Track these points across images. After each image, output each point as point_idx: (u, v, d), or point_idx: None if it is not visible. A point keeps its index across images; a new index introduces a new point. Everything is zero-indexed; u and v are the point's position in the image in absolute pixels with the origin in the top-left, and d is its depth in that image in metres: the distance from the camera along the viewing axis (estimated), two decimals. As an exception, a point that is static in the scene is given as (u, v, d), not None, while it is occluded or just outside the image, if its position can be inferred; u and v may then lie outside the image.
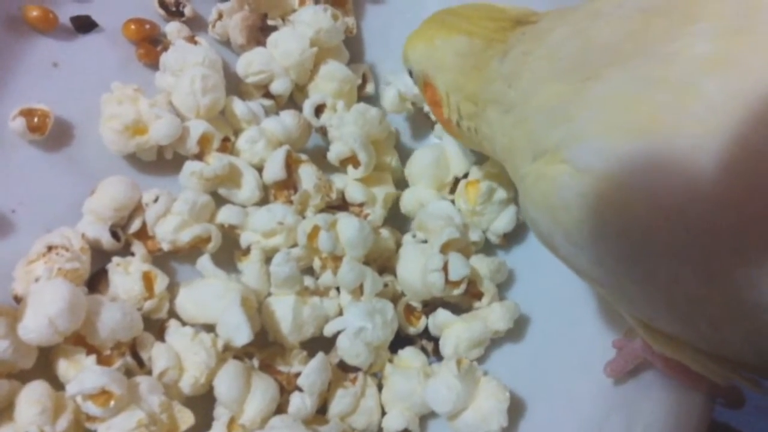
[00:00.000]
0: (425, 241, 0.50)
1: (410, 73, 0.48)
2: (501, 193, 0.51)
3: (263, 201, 0.50)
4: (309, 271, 0.49)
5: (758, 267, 0.27)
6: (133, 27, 0.52)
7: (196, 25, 0.54)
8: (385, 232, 0.51)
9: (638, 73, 0.30)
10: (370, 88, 0.57)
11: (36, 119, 0.47)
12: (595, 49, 0.33)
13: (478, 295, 0.49)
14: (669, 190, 0.28)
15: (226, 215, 0.48)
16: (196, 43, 0.52)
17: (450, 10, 0.45)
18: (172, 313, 0.45)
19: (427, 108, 0.55)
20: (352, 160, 0.51)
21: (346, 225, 0.47)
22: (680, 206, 0.28)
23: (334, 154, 0.51)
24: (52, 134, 0.47)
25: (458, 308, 0.50)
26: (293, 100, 0.55)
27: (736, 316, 0.29)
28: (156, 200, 0.46)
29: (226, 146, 0.50)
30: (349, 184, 0.51)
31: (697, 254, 0.29)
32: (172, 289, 0.46)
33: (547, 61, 0.35)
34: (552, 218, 0.33)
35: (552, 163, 0.32)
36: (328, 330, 0.46)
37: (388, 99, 0.55)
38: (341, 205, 0.51)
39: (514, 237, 0.52)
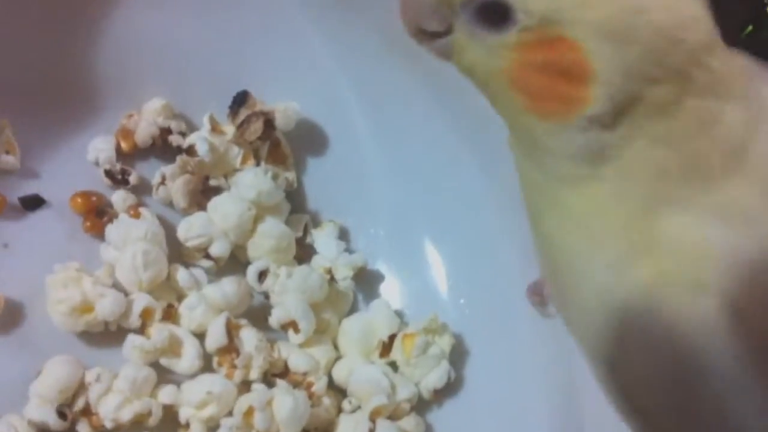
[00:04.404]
0: (360, 407, 0.53)
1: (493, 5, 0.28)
2: (435, 348, 0.54)
3: (206, 369, 0.52)
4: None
5: None
6: (79, 200, 0.55)
7: (142, 189, 0.57)
8: (326, 401, 0.53)
9: None
10: (309, 239, 0.59)
11: (-14, 304, 0.50)
12: None
13: None
14: None
15: (161, 397, 0.51)
16: (139, 215, 0.54)
17: None
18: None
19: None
20: (293, 325, 0.54)
21: (281, 403, 0.49)
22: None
23: (275, 320, 0.53)
24: (2, 316, 0.50)
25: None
26: (234, 255, 0.57)
27: None
28: (98, 379, 0.49)
29: (170, 313, 0.53)
30: (292, 353, 0.53)
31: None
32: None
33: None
34: (629, 336, 0.30)
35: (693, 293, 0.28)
36: None
37: None
38: (284, 371, 0.54)
39: (446, 393, 0.55)
